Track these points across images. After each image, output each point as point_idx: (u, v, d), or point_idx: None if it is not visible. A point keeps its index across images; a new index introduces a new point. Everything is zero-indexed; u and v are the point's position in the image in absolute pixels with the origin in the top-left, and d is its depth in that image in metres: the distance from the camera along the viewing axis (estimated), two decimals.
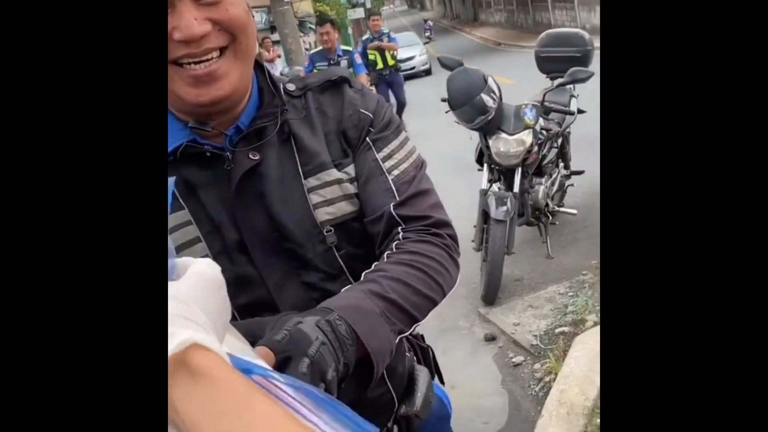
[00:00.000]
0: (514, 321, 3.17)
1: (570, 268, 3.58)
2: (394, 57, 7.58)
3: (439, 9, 48.03)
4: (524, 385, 2.68)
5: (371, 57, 7.46)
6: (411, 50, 15.09)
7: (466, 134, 3.71)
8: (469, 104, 3.25)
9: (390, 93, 7.68)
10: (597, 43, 4.51)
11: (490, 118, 3.26)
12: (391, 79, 7.69)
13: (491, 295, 3.35)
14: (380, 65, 7.55)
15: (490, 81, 3.31)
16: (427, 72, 15.64)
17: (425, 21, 35.72)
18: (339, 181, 0.90)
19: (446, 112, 3.47)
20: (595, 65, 4.03)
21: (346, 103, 0.94)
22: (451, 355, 3.05)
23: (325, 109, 0.94)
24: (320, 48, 6.42)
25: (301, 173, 0.88)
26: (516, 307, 3.30)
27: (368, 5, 28.46)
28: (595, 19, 17.86)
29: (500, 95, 3.35)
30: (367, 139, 0.93)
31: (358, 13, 25.90)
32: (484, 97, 3.24)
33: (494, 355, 2.98)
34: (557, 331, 2.94)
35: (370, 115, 0.94)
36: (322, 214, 0.88)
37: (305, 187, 0.88)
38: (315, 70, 5.91)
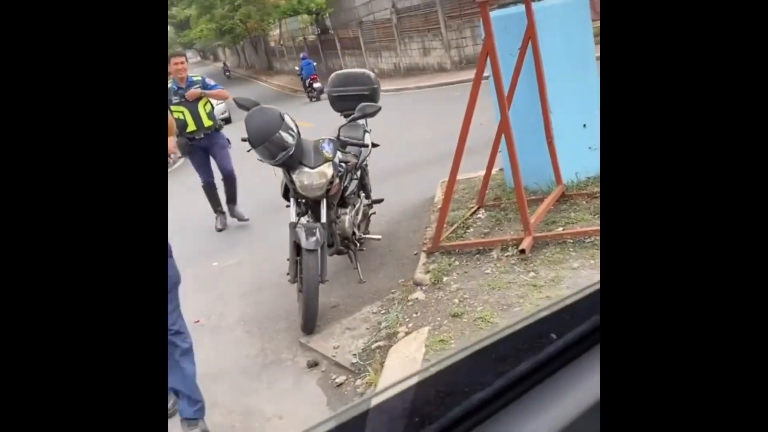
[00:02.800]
0: (334, 345, 3.28)
1: (380, 289, 3.80)
2: (210, 115, 5.51)
3: (233, 59, 48.01)
4: (348, 402, 2.79)
5: (177, 116, 5.34)
6: None
7: (271, 171, 3.81)
8: (269, 142, 3.37)
9: (211, 162, 5.70)
10: (383, 85, 4.94)
11: (290, 153, 3.41)
12: (208, 143, 5.54)
13: (310, 324, 3.44)
14: (192, 126, 5.39)
15: (287, 118, 3.47)
16: (227, 120, 15.55)
17: (224, 64, 38.17)
18: None
19: (248, 151, 3.55)
20: (382, 102, 4.40)
21: None
22: (277, 387, 3.07)
23: None
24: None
25: None
26: (335, 331, 3.43)
27: None
28: (382, 63, 19.24)
29: (298, 132, 3.51)
30: None
31: None
32: (283, 134, 3.39)
33: (318, 379, 3.06)
34: (374, 346, 3.11)
35: None
36: None
37: None
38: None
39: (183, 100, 5.36)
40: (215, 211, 5.94)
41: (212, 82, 5.59)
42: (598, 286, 0.56)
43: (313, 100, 16.16)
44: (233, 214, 5.90)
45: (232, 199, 5.87)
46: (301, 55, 19.03)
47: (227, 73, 34.59)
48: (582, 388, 0.55)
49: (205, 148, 5.58)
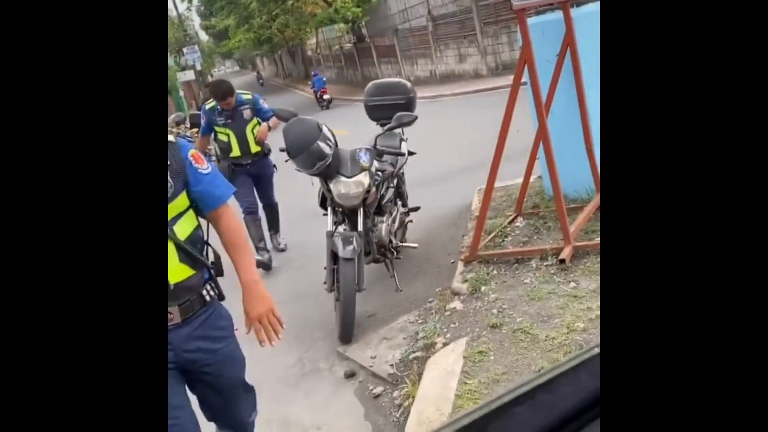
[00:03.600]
0: (371, 355, 3.27)
1: (417, 297, 3.78)
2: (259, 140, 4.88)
3: (271, 68, 48.74)
4: (386, 414, 2.78)
5: (222, 138, 4.87)
6: None
7: (308, 180, 3.84)
8: (307, 152, 3.40)
9: (253, 190, 5.00)
10: (418, 92, 4.92)
11: (328, 163, 3.43)
12: (254, 170, 4.95)
13: (347, 333, 3.44)
14: (236, 152, 4.83)
15: (325, 129, 3.49)
16: None
17: (258, 73, 40.61)
18: None
19: (286, 161, 3.59)
20: (417, 110, 4.39)
21: None
22: (314, 397, 3.08)
23: None
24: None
25: None
26: (372, 341, 3.42)
27: (198, 67, 28.21)
28: (418, 71, 19.23)
29: (335, 141, 3.53)
30: None
31: (188, 75, 25.53)
32: (321, 144, 3.41)
33: (355, 390, 3.05)
34: (411, 357, 3.09)
35: None
36: None
37: None
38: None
39: (229, 121, 4.78)
40: (257, 247, 4.89)
41: (265, 106, 4.87)
42: (597, 350, 0.52)
43: (324, 108, 18.81)
44: (273, 242, 5.37)
45: (273, 226, 5.38)
46: (313, 72, 22.43)
47: (260, 81, 37.17)
48: None
49: (251, 174, 4.96)
